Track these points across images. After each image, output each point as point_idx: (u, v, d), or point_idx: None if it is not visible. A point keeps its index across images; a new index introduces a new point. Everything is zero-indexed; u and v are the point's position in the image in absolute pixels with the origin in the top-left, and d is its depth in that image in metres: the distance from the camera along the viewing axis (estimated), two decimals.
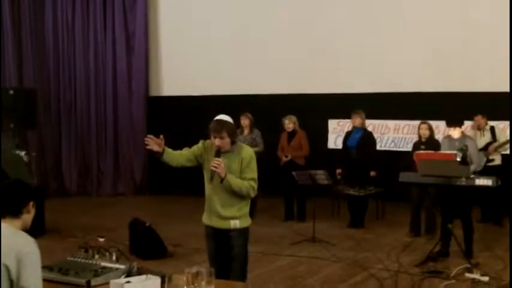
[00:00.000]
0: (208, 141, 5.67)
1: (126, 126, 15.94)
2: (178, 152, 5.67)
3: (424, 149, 9.56)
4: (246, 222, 5.71)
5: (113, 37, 15.90)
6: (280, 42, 14.47)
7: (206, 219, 5.78)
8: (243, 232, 5.69)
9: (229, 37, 15.01)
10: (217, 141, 5.49)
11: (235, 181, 5.48)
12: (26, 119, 11.81)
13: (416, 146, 10.22)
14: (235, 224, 5.61)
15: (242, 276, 5.66)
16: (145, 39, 15.96)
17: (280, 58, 14.44)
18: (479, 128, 11.29)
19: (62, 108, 15.67)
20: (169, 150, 5.59)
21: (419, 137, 10.34)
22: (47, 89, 15.21)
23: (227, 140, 5.49)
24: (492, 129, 11.23)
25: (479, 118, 11.29)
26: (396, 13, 13.57)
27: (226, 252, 5.69)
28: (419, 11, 13.32)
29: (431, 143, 10.03)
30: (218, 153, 5.49)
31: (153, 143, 5.51)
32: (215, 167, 5.41)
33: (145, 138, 5.54)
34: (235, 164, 5.53)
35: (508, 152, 11.30)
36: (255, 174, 5.57)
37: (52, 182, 15.25)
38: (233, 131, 5.58)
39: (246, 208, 5.69)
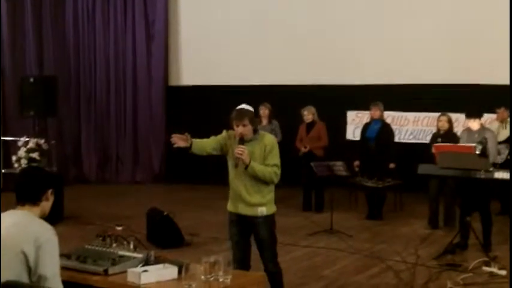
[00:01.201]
0: (231, 131, 5.76)
1: (145, 115, 15.99)
2: (204, 140, 5.79)
3: (440, 142, 9.50)
4: (272, 209, 5.80)
5: (133, 25, 15.95)
6: (299, 33, 14.42)
7: (231, 206, 5.85)
8: (269, 219, 5.78)
9: (249, 27, 14.99)
10: (240, 129, 5.60)
11: (259, 167, 5.57)
12: (46, 107, 11.86)
13: (434, 138, 10.16)
14: (262, 211, 5.70)
15: (274, 261, 5.84)
16: (165, 28, 15.97)
17: (300, 49, 14.40)
18: (501, 121, 11.22)
19: (82, 96, 15.80)
20: (196, 141, 5.71)
21: (438, 129, 10.27)
22: (67, 77, 15.30)
23: (249, 128, 5.61)
24: None
25: (502, 110, 11.22)
26: (416, 4, 13.49)
27: (249, 238, 5.83)
28: (439, 1, 13.25)
29: (449, 136, 9.94)
30: (241, 141, 5.60)
31: (179, 140, 5.61)
32: (239, 154, 5.50)
33: (171, 139, 5.63)
34: (258, 151, 5.63)
35: None
36: (277, 161, 5.67)
37: (71, 169, 15.37)
38: (254, 118, 5.71)
39: (271, 194, 5.78)
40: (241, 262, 5.75)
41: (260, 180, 5.63)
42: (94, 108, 15.90)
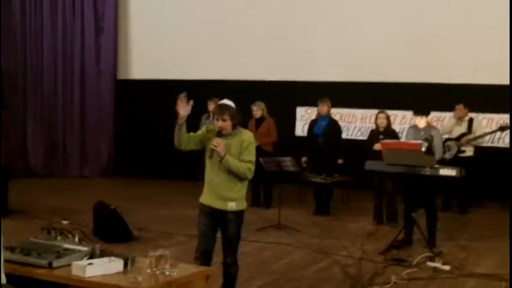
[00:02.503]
0: (211, 125, 5.92)
1: (93, 108, 15.84)
2: (187, 134, 5.80)
3: (382, 139, 9.63)
4: (242, 205, 5.88)
5: (82, 17, 15.74)
6: (251, 29, 14.46)
7: (204, 198, 5.90)
8: (239, 214, 5.85)
9: (200, 22, 14.95)
10: (219, 123, 5.72)
11: (233, 161, 5.66)
12: None
13: (375, 135, 10.33)
14: (231, 206, 5.77)
15: (234, 256, 5.94)
16: (114, 20, 15.83)
17: (250, 45, 14.45)
18: (459, 118, 11.38)
19: (29, 88, 15.54)
20: (186, 128, 5.73)
21: (377, 126, 10.46)
22: (13, 68, 15.05)
23: (229, 123, 5.72)
24: (470, 120, 11.34)
25: (460, 107, 11.37)
26: (367, 2, 13.62)
27: (216, 231, 5.90)
28: (390, 0, 13.41)
29: (389, 132, 10.18)
30: (219, 134, 5.71)
31: (182, 105, 5.63)
32: (215, 146, 5.60)
33: (179, 96, 5.63)
34: (235, 146, 5.73)
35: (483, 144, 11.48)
36: (253, 157, 5.77)
37: (17, 162, 15.11)
38: (235, 115, 5.80)
39: (243, 191, 5.86)
40: (205, 254, 5.81)
41: (234, 175, 5.71)
42: (41, 100, 15.66)
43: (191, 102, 5.67)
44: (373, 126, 10.90)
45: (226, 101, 5.86)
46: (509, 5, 11.78)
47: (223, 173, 5.73)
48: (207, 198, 5.86)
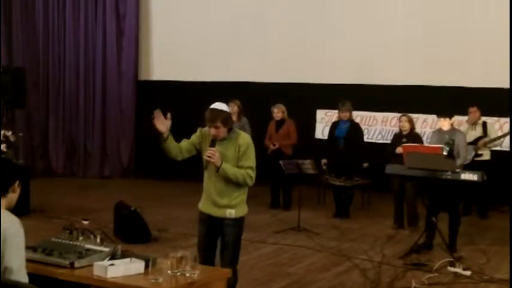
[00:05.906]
0: (206, 128, 5.62)
1: (114, 109, 15.87)
2: (178, 144, 5.62)
3: (405, 142, 9.58)
4: (242, 211, 5.67)
5: (104, 18, 15.78)
6: (271, 31, 14.43)
7: (202, 205, 5.74)
8: (238, 221, 5.65)
9: (221, 24, 14.95)
10: (212, 131, 5.47)
11: (231, 170, 5.44)
12: (14, 98, 11.75)
13: (397, 138, 10.27)
14: (230, 213, 5.57)
15: (232, 264, 5.60)
16: (136, 22, 15.84)
17: (270, 47, 14.42)
18: (473, 122, 11.29)
19: (51, 88, 15.64)
20: (173, 140, 5.55)
21: (400, 129, 10.39)
22: (35, 69, 15.16)
23: (222, 129, 5.46)
24: (484, 124, 11.26)
25: (474, 110, 11.26)
26: (387, 5, 13.58)
27: (216, 239, 5.69)
28: (410, 2, 13.35)
29: (412, 136, 10.10)
30: (213, 142, 5.47)
31: (160, 122, 5.46)
32: (209, 157, 5.39)
33: (154, 114, 5.45)
34: (232, 152, 5.50)
35: (498, 148, 11.38)
36: (252, 162, 5.52)
37: (39, 162, 15.22)
38: (228, 119, 5.51)
39: (242, 197, 5.65)
40: (206, 262, 5.52)
41: (232, 183, 5.50)
42: (63, 101, 15.75)
43: (169, 116, 5.48)
44: (395, 129, 10.84)
45: (217, 105, 5.53)
46: (509, 5, 11.71)
47: (220, 181, 5.51)
48: (205, 205, 5.67)
